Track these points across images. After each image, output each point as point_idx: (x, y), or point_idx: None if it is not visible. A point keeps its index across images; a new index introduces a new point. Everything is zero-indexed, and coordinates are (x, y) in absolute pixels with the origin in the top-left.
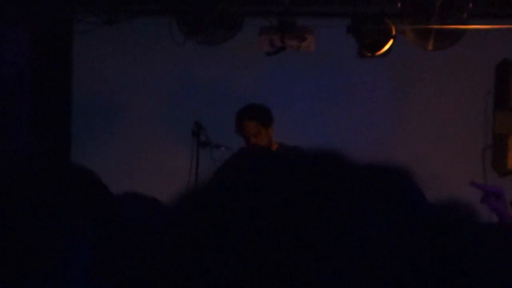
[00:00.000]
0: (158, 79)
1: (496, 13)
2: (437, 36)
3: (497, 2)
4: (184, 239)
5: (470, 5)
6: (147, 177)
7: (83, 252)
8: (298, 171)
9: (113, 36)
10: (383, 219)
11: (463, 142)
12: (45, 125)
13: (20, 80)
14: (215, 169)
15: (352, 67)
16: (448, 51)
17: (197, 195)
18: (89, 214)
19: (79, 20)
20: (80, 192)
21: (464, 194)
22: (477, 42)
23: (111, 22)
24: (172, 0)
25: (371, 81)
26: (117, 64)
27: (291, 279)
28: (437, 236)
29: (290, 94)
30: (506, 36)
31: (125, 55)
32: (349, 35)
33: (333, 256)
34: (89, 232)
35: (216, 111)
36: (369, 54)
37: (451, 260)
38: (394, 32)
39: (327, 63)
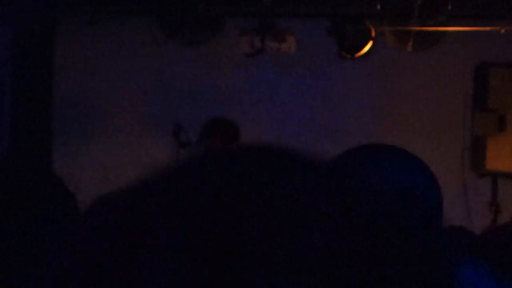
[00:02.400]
0: (139, 79)
1: (475, 15)
2: (416, 37)
3: (476, 4)
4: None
5: (449, 7)
6: (128, 178)
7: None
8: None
9: (94, 36)
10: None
11: (442, 143)
12: (26, 126)
13: (1, 80)
14: None
15: (332, 69)
16: (428, 53)
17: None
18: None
19: (60, 20)
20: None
21: (444, 194)
22: (456, 43)
23: (93, 22)
24: (154, 1)
25: (351, 82)
26: (98, 65)
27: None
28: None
29: (270, 96)
30: (485, 38)
31: (107, 56)
32: (329, 36)
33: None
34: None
35: (196, 111)
36: (349, 56)
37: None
38: (373, 34)
39: (307, 65)
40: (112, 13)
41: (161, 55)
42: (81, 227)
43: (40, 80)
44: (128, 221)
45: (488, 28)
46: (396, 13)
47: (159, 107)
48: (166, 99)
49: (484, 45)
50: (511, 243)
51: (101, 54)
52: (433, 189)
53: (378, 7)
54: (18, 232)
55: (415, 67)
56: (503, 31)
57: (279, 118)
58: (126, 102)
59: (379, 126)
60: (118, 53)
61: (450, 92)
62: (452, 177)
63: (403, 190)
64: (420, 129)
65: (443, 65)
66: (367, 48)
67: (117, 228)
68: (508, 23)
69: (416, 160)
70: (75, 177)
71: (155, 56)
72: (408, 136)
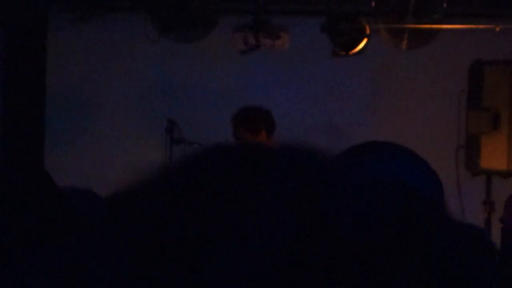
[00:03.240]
0: (132, 76)
1: (470, 13)
2: (411, 35)
3: (471, 2)
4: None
5: (445, 4)
6: (120, 174)
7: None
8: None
9: (87, 33)
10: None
11: (436, 142)
12: (18, 122)
13: None
14: None
15: (326, 66)
16: (422, 51)
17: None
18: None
19: (53, 17)
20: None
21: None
22: (451, 41)
23: (86, 19)
24: None
25: (345, 80)
26: (91, 61)
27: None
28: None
29: (264, 93)
30: (480, 36)
31: (99, 52)
32: (324, 34)
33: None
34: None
35: (189, 108)
36: (343, 53)
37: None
38: (368, 31)
39: (301, 62)
40: (105, 10)
41: (155, 52)
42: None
43: (33, 76)
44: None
45: (483, 26)
46: (390, 11)
47: (153, 104)
48: (159, 96)
49: (479, 43)
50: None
51: (94, 51)
52: (438, 187)
53: (373, 4)
54: (8, 232)
55: (409, 64)
56: (498, 29)
57: (273, 115)
58: (119, 99)
59: (373, 123)
60: (111, 49)
61: (445, 90)
62: (446, 176)
63: (410, 188)
64: (414, 127)
65: (437, 63)
66: (361, 45)
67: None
68: (503, 21)
69: (419, 158)
70: (68, 173)
71: (148, 52)
72: (401, 134)
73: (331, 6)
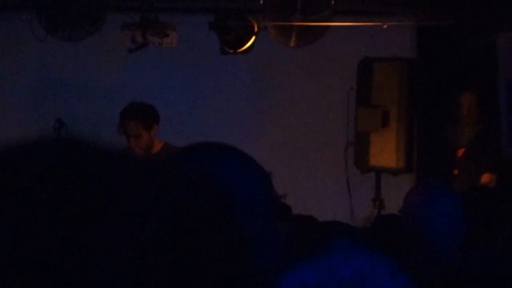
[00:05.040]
0: (19, 75)
1: (358, 11)
2: (298, 32)
3: (360, 0)
4: None
5: (332, 2)
6: None
7: None
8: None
9: None
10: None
11: (326, 139)
12: None
13: None
14: None
15: (214, 64)
16: (311, 48)
17: None
18: None
19: None
20: None
21: (327, 191)
22: (339, 39)
23: None
24: None
25: (234, 77)
26: None
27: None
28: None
29: (153, 91)
30: (368, 33)
31: None
32: (212, 31)
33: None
34: None
35: (78, 108)
36: (231, 51)
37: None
38: (256, 29)
39: (190, 60)
40: None
41: (42, 51)
42: None
43: None
44: None
45: (370, 24)
46: (278, 8)
47: (40, 104)
48: (47, 96)
49: (367, 40)
50: (401, 234)
51: None
52: (265, 179)
53: (261, 1)
54: None
55: (298, 62)
56: (385, 26)
57: (161, 113)
58: (5, 99)
59: (262, 121)
60: None
61: (334, 87)
62: (335, 173)
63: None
64: (303, 125)
65: (326, 60)
66: (249, 43)
67: None
68: (390, 18)
69: (246, 158)
70: None
71: (35, 51)
72: (291, 132)
73: (219, 4)
